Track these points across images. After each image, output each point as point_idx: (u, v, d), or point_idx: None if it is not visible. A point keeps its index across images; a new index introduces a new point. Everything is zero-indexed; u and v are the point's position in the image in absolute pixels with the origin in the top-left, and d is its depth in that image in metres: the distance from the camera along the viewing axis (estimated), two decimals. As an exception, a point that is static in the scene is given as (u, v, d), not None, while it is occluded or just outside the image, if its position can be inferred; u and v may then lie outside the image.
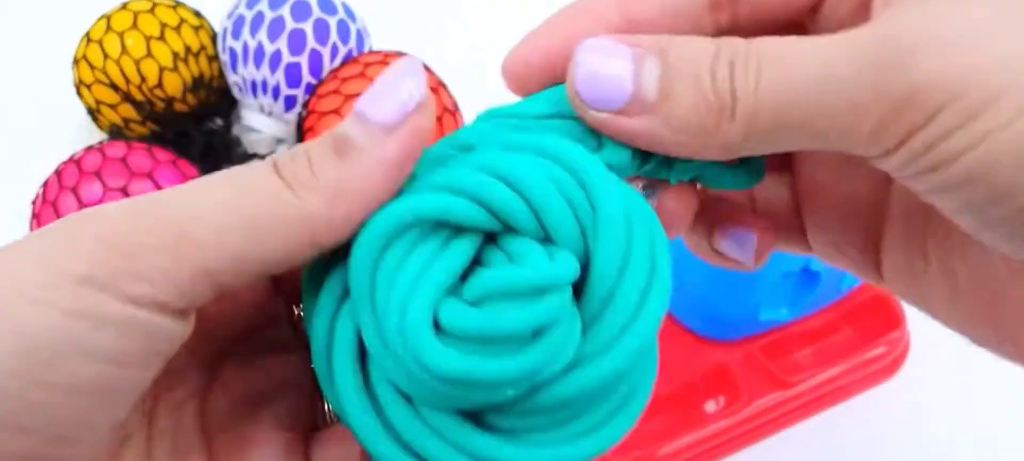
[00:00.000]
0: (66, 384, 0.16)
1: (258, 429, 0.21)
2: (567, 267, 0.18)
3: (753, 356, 0.48)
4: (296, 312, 0.23)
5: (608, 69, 0.19)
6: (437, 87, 0.52)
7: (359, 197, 0.18)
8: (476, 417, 0.19)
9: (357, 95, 0.50)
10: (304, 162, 0.18)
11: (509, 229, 0.18)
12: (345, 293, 0.19)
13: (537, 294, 0.17)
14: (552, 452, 0.18)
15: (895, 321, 0.50)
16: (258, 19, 0.54)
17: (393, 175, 0.18)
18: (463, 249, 0.18)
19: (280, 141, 0.57)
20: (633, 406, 0.19)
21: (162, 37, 0.54)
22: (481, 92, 0.60)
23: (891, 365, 0.50)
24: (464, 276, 0.18)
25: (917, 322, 0.51)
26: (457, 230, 0.18)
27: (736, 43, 0.19)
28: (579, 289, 0.18)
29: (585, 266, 0.18)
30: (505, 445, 0.18)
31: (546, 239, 0.18)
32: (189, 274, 0.17)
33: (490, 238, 0.19)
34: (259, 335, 0.22)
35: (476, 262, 0.19)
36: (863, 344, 0.49)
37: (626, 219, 0.18)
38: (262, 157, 0.57)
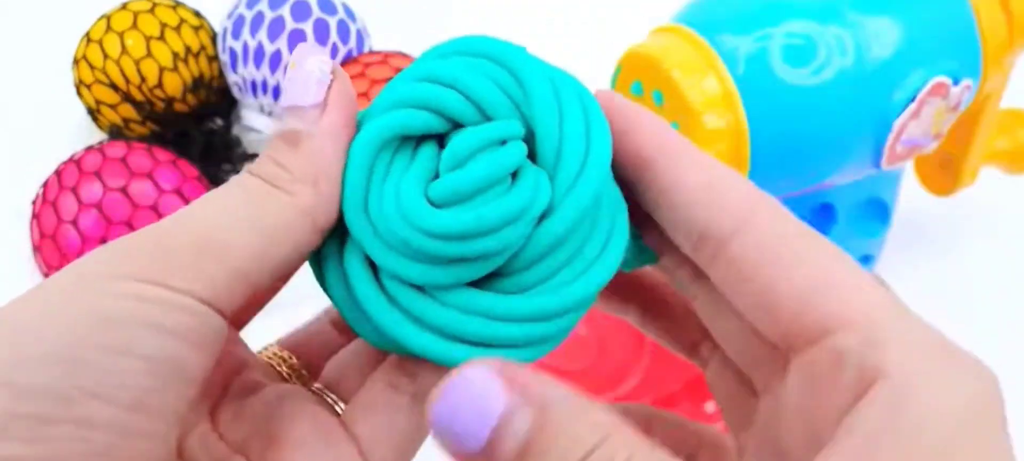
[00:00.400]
0: (139, 353, 0.18)
1: (286, 414, 0.22)
2: (513, 125, 0.21)
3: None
4: (275, 358, 0.25)
5: (471, 410, 0.16)
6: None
7: (329, 170, 0.20)
8: (481, 288, 0.21)
9: (357, 95, 0.50)
10: (272, 164, 0.20)
11: (458, 125, 0.21)
12: (340, 247, 0.22)
13: (499, 143, 0.20)
14: (559, 296, 0.21)
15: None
16: (258, 19, 0.54)
17: (344, 138, 0.21)
18: (430, 151, 0.21)
19: (280, 141, 0.57)
20: (615, 241, 0.21)
21: (162, 37, 0.54)
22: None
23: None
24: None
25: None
26: (420, 139, 0.21)
27: (634, 443, 0.16)
28: (533, 159, 0.21)
29: (533, 139, 0.21)
30: (517, 298, 0.21)
31: (488, 119, 0.21)
32: (225, 275, 0.19)
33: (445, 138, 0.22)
34: (236, 381, 0.23)
35: None
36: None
37: (551, 85, 0.21)
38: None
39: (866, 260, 0.49)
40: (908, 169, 0.50)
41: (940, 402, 0.16)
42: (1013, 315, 0.53)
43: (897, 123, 0.36)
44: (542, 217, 0.20)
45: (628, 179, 0.21)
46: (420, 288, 0.21)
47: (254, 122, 0.56)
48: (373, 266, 0.21)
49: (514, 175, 0.20)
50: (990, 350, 0.57)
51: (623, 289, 0.25)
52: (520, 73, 0.21)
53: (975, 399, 0.17)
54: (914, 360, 0.17)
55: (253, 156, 0.57)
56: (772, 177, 0.37)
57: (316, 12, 0.54)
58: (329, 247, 0.22)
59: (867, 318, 0.18)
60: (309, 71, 0.21)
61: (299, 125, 0.20)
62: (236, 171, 0.56)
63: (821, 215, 0.45)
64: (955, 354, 0.18)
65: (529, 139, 0.21)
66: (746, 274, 0.19)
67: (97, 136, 0.57)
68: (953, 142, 0.48)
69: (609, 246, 0.21)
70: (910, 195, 0.56)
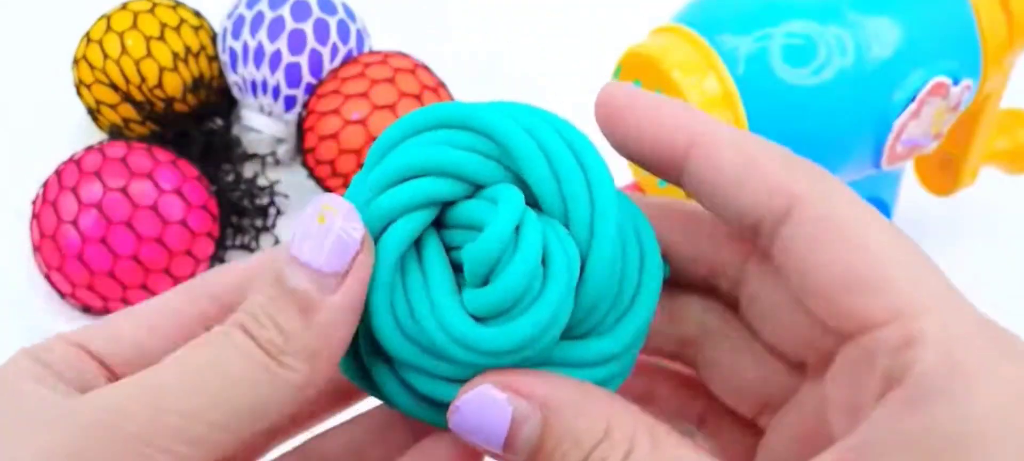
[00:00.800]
0: None
1: None
2: (509, 193, 0.19)
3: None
4: None
5: (483, 420, 0.19)
6: (437, 87, 0.52)
7: (331, 352, 0.19)
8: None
9: (357, 95, 0.50)
10: (274, 329, 0.18)
11: (451, 203, 0.20)
12: (377, 358, 0.21)
13: (515, 233, 0.19)
14: (616, 336, 0.20)
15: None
16: (258, 19, 0.54)
17: (352, 321, 0.19)
18: (435, 245, 0.20)
19: (280, 141, 0.57)
20: (650, 257, 0.21)
21: (162, 37, 0.54)
22: (481, 92, 0.61)
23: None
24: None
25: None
26: (418, 240, 0.20)
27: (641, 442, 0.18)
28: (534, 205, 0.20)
29: (526, 186, 0.20)
30: (580, 345, 0.20)
31: (478, 187, 0.20)
32: (203, 457, 0.18)
33: (444, 222, 0.20)
34: None
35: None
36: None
37: (522, 129, 0.19)
38: (262, 157, 0.57)
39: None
40: (908, 169, 0.50)
41: (960, 409, 0.16)
42: (1013, 315, 0.54)
43: (897, 123, 0.36)
44: (581, 282, 0.20)
45: (667, 175, 0.20)
46: None
47: (254, 122, 0.56)
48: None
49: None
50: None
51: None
52: (487, 128, 0.20)
53: (1010, 411, 0.16)
54: (943, 362, 0.16)
55: (253, 156, 0.57)
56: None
57: (316, 12, 0.54)
58: (368, 361, 0.21)
59: (906, 314, 0.17)
60: (337, 233, 0.18)
61: (312, 290, 0.18)
62: (236, 171, 0.56)
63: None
64: (1003, 357, 0.16)
65: (523, 185, 0.20)
66: (794, 263, 0.18)
67: (97, 136, 0.57)
68: (953, 142, 0.48)
69: (645, 265, 0.21)
70: (910, 195, 0.56)
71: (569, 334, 0.20)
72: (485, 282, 0.19)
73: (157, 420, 0.17)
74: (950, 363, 0.16)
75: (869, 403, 0.17)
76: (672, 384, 0.24)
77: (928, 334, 0.16)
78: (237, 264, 0.22)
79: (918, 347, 0.16)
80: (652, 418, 0.19)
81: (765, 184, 0.19)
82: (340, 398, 0.24)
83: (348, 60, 0.54)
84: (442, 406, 0.20)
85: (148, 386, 0.18)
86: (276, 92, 0.54)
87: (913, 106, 0.36)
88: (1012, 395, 0.16)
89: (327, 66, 0.54)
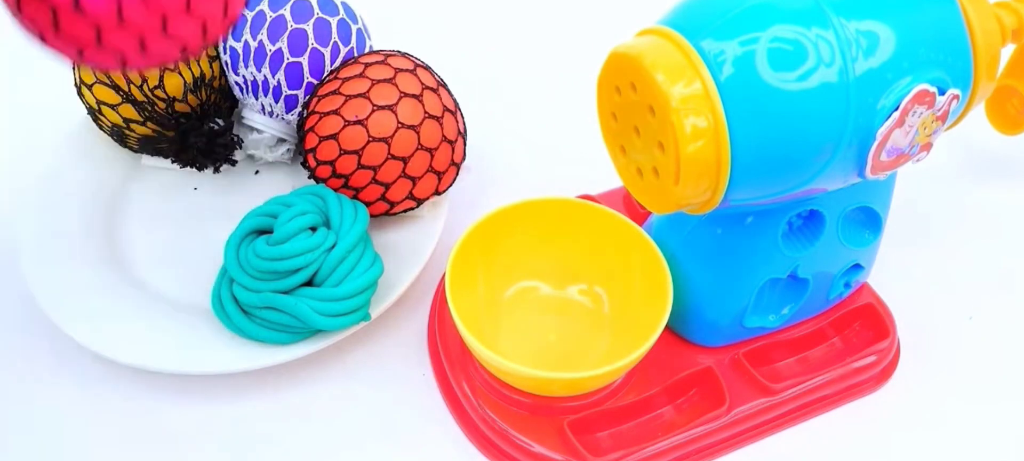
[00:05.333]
0: None
1: None
2: (312, 213, 0.50)
3: (738, 362, 0.49)
4: None
5: None
6: (437, 87, 0.54)
7: None
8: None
9: (357, 95, 0.53)
10: None
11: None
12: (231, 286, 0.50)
13: (310, 229, 0.50)
14: (345, 286, 0.48)
15: (884, 331, 0.50)
16: (259, 19, 0.56)
17: None
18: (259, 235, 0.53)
19: (281, 141, 0.59)
20: (378, 262, 0.50)
21: (163, 37, 0.56)
22: (481, 92, 0.63)
23: (880, 375, 0.50)
24: None
25: (908, 332, 0.52)
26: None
27: None
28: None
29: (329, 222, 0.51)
30: (330, 290, 0.48)
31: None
32: None
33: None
34: None
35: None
36: (851, 353, 0.50)
37: (336, 197, 0.52)
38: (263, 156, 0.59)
39: (856, 269, 0.49)
40: (901, 173, 0.50)
41: None
42: (1014, 315, 0.55)
43: (880, 131, 0.37)
44: (331, 249, 0.48)
45: None
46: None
47: (255, 122, 0.58)
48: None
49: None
50: (990, 348, 0.58)
51: None
52: (320, 193, 0.50)
53: None
54: None
55: (254, 156, 0.59)
56: (753, 181, 0.38)
57: (317, 12, 0.56)
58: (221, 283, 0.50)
59: None
60: None
61: None
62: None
63: (809, 222, 0.45)
64: None
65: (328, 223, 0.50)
66: None
67: (97, 136, 0.59)
68: (1017, 76, 0.49)
69: (375, 263, 0.49)
70: (910, 194, 0.57)
71: (325, 282, 0.48)
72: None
73: None
74: None
75: None
76: None
77: None
78: None
79: None
80: None
81: None
82: None
83: (348, 60, 0.56)
84: (245, 313, 0.49)
85: None
86: (277, 92, 0.56)
87: (896, 115, 0.37)
88: None
89: (328, 66, 0.56)
